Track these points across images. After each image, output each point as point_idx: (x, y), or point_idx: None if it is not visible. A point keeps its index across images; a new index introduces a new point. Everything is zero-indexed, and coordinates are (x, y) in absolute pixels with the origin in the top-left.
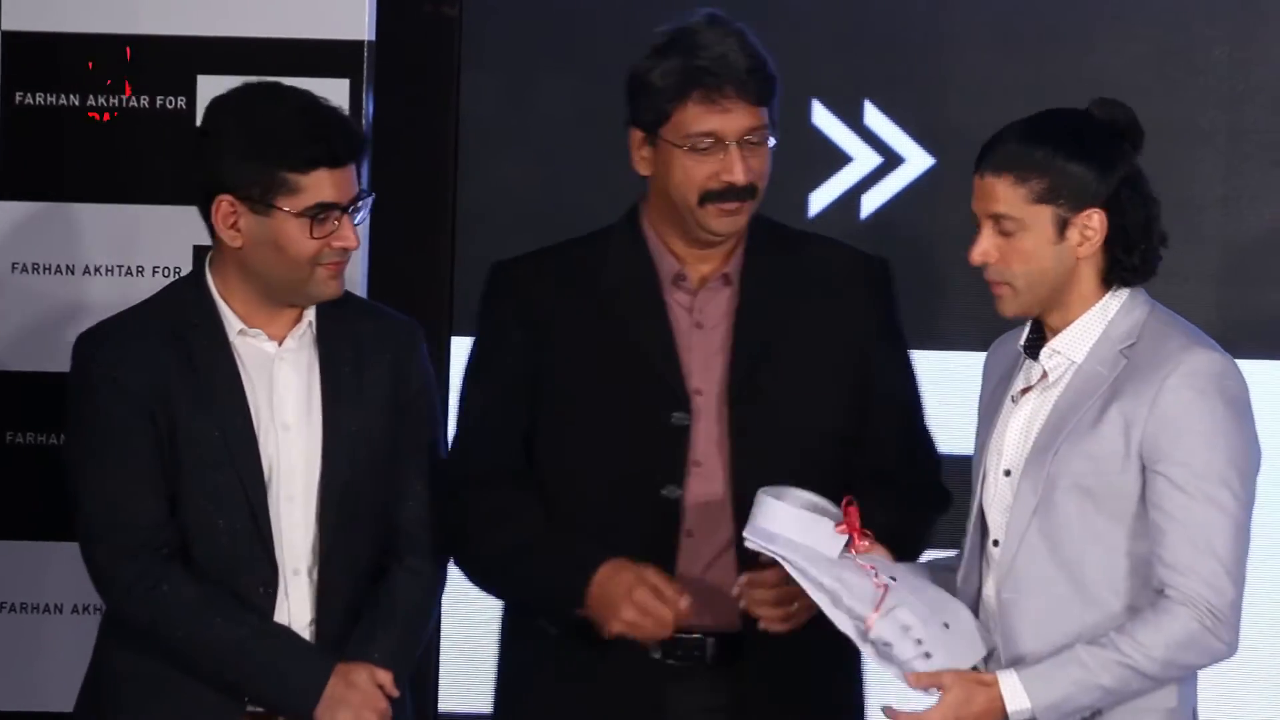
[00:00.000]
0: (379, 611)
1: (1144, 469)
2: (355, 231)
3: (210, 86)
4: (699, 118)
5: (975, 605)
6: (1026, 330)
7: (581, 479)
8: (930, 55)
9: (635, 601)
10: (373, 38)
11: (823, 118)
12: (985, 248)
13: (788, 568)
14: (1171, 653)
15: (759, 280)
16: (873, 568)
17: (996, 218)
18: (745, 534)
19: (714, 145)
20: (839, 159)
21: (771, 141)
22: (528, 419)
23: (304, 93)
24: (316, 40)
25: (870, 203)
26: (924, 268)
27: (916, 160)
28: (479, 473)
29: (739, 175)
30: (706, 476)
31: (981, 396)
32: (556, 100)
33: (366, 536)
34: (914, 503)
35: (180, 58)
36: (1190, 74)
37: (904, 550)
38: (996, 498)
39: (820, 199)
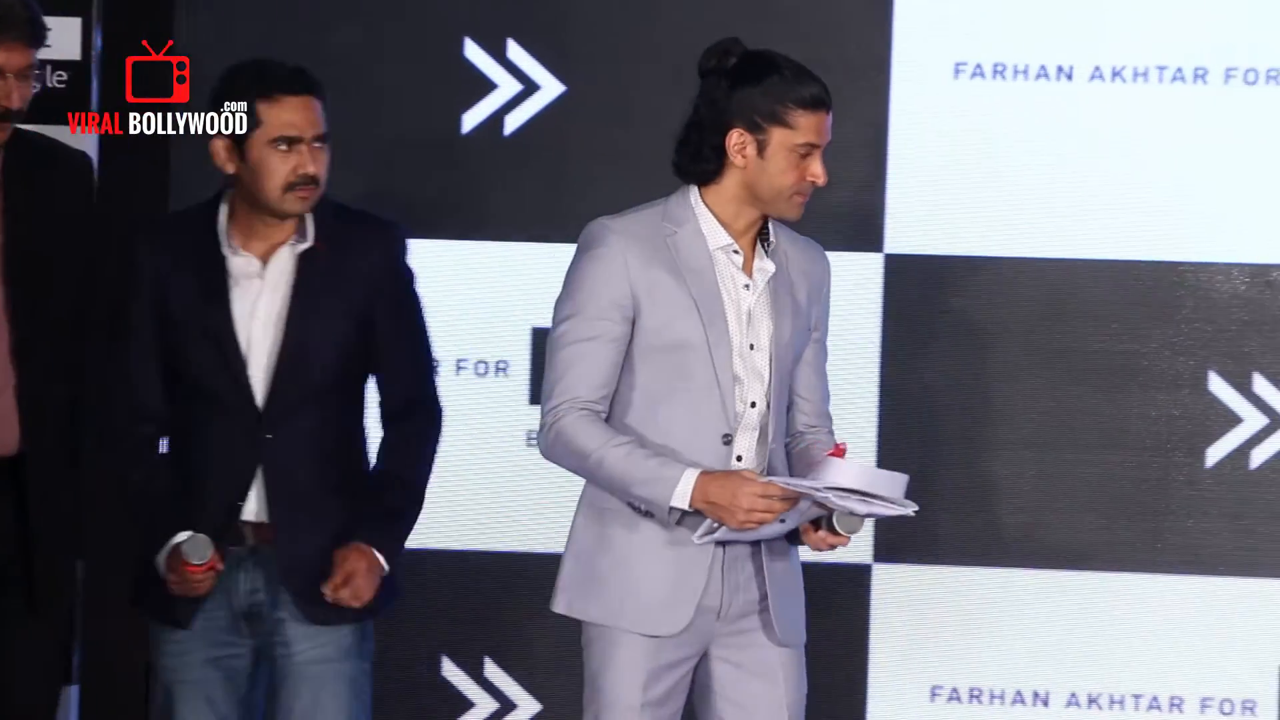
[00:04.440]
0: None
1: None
2: None
3: None
4: None
5: (722, 458)
6: (718, 232)
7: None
8: (561, 1)
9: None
10: None
11: (473, 52)
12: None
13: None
14: None
15: None
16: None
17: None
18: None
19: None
20: (486, 86)
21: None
22: None
23: None
24: None
25: (512, 122)
26: (554, 172)
27: (550, 87)
28: None
29: (16, 101)
30: None
31: (621, 271)
32: (259, 39)
33: None
34: None
35: None
36: (772, 15)
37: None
38: (748, 369)
39: (471, 119)
